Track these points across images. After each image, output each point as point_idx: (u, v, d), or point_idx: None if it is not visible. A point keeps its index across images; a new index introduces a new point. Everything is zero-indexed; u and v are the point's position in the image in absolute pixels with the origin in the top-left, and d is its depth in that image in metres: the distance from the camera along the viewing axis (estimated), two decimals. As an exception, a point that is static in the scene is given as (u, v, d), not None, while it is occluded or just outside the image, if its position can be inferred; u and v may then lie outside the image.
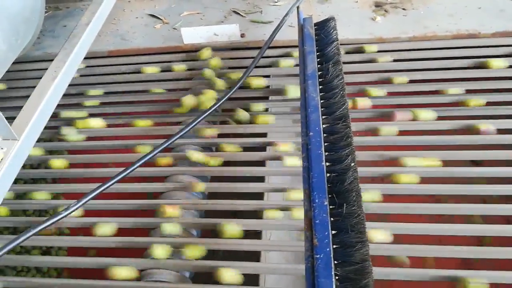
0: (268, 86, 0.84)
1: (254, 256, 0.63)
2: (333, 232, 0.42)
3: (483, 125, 0.70)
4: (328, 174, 0.47)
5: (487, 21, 0.89)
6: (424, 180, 0.65)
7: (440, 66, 0.82)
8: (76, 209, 0.49)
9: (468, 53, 0.84)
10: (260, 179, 0.71)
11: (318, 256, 0.40)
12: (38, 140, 0.63)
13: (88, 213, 0.68)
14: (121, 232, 0.65)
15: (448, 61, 0.83)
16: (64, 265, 0.66)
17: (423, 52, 0.86)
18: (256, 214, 0.65)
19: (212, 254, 0.62)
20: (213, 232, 0.63)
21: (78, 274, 0.64)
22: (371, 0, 0.99)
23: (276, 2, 1.02)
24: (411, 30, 0.89)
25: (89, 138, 0.81)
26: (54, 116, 0.74)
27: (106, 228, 0.64)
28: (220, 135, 0.76)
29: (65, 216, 0.48)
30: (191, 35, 0.89)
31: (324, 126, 0.54)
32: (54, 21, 1.09)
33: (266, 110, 0.81)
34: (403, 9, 0.96)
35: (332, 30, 0.69)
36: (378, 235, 0.58)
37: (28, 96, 0.62)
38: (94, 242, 0.65)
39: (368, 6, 0.98)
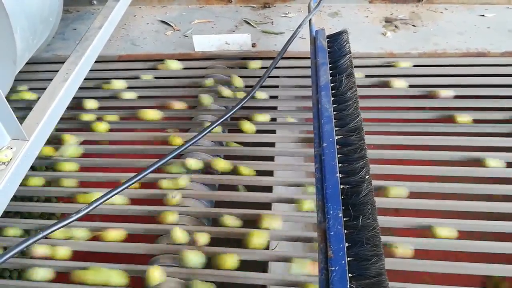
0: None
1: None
2: (347, 245, 0.42)
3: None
4: (341, 186, 0.47)
5: (496, 40, 0.90)
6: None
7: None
8: (87, 213, 0.48)
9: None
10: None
11: (333, 268, 0.39)
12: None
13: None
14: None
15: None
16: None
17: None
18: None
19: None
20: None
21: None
22: (381, 16, 1.00)
23: (287, 14, 1.03)
24: (421, 46, 0.90)
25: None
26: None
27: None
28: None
29: (75, 219, 0.47)
30: (202, 43, 0.90)
31: (337, 137, 0.53)
32: (64, 23, 1.09)
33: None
34: (413, 25, 0.97)
35: (345, 43, 0.69)
36: None
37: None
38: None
39: (379, 21, 0.99)
